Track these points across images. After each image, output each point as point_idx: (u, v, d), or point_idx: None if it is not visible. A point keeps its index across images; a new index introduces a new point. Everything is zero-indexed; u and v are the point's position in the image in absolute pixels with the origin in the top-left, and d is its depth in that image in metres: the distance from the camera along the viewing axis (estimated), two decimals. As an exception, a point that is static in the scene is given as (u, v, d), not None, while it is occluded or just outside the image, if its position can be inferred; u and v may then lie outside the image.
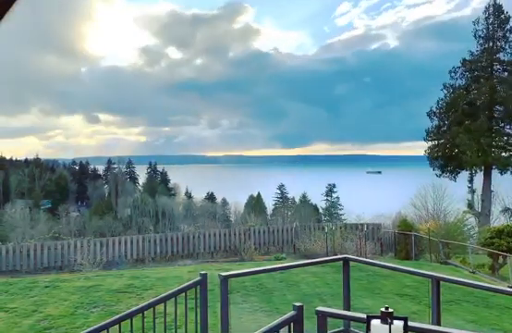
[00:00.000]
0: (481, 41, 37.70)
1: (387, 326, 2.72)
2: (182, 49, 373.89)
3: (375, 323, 2.78)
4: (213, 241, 19.19)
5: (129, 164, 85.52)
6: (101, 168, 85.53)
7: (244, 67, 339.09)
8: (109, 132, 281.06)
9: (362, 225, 20.51)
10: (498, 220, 35.13)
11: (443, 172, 38.50)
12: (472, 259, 17.22)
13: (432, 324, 4.66)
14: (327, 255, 15.87)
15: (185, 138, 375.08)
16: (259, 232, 19.85)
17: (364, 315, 2.98)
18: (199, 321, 5.27)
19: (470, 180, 37.94)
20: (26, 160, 78.61)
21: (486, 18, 37.69)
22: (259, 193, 65.06)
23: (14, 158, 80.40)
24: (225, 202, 65.20)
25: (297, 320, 3.48)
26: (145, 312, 4.97)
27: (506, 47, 37.32)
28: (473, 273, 15.47)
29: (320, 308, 3.46)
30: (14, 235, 32.28)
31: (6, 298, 9.90)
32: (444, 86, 38.58)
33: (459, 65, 38.29)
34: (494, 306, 9.32)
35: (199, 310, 5.24)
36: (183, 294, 5.24)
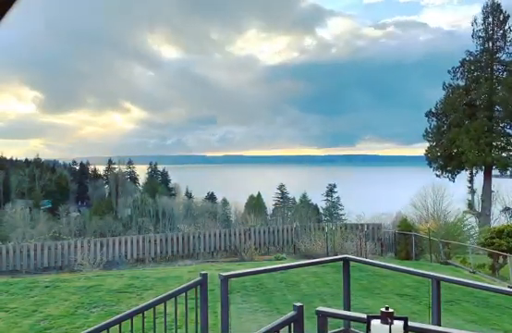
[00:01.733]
0: (481, 41, 37.67)
1: (387, 327, 2.72)
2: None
3: (375, 323, 2.79)
4: (214, 241, 19.19)
5: (130, 164, 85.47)
6: (101, 168, 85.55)
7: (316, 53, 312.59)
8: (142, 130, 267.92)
9: (362, 225, 20.54)
10: (498, 220, 35.15)
11: (442, 172, 38.50)
12: (472, 259, 17.19)
13: (433, 324, 4.67)
14: (327, 255, 15.86)
15: (220, 136, 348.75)
16: (259, 232, 19.84)
17: (364, 315, 2.99)
18: (199, 321, 5.27)
19: (471, 180, 37.94)
20: (26, 160, 78.55)
21: (485, 18, 37.65)
22: (259, 193, 64.90)
23: (14, 158, 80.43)
24: (225, 202, 65.13)
25: (297, 320, 3.48)
26: (145, 312, 4.98)
27: (506, 47, 37.30)
28: (473, 273, 15.46)
29: (320, 308, 3.46)
30: (14, 235, 32.21)
31: (7, 298, 9.91)
32: (444, 86, 38.57)
33: (459, 65, 38.29)
34: (494, 306, 9.32)
35: (199, 310, 5.25)
36: (183, 294, 5.25)
